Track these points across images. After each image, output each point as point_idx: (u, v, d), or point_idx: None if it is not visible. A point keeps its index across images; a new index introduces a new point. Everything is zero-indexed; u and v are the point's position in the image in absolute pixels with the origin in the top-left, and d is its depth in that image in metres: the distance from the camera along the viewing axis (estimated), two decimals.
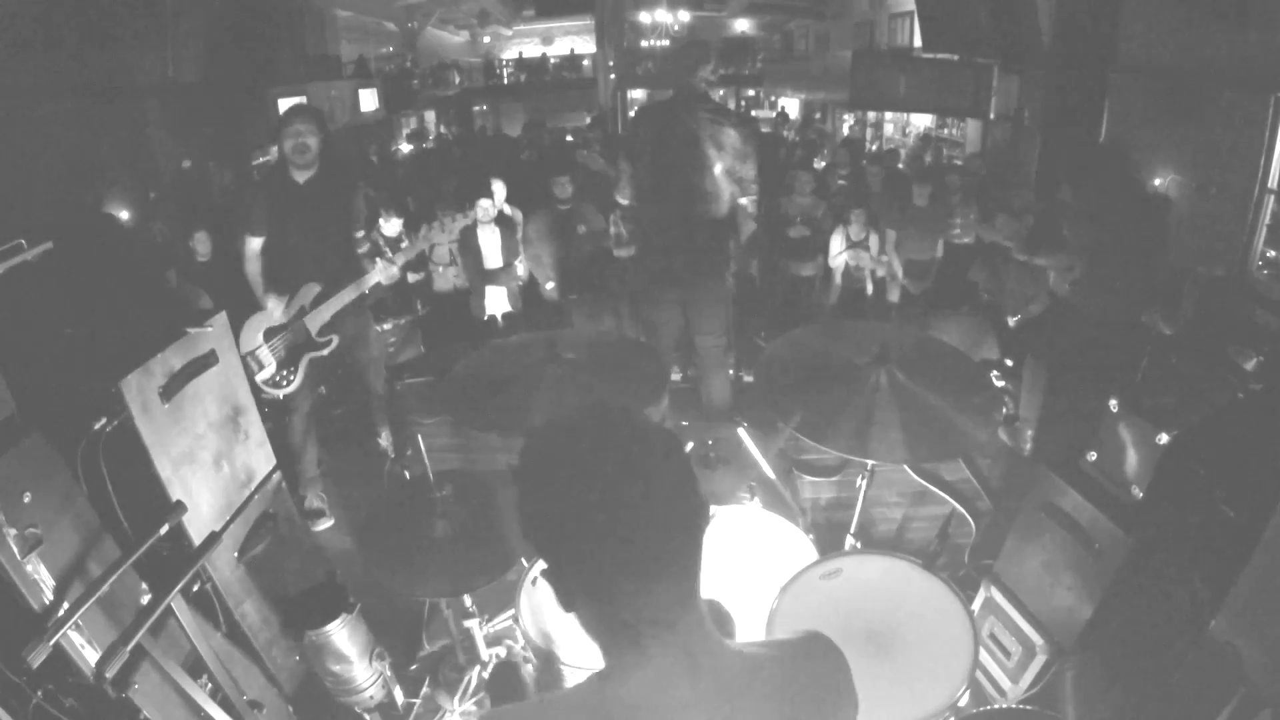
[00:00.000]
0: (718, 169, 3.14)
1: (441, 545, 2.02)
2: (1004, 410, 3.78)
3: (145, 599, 1.80)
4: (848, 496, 3.33)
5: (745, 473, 2.48)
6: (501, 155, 8.62)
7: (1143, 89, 5.43)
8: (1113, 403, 2.08)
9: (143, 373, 1.90)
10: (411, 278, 5.14)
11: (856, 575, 1.89)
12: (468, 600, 2.16)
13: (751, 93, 19.70)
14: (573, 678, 1.68)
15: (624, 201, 3.47)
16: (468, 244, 4.79)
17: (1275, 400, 2.47)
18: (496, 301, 4.91)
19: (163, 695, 1.76)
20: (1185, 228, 4.97)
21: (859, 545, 2.38)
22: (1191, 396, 2.10)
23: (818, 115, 15.29)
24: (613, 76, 16.42)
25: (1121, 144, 3.53)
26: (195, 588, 2.01)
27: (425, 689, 2.39)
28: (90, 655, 1.62)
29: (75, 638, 1.60)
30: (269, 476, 2.43)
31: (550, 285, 5.11)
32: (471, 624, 2.19)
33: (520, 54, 21.27)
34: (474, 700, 2.29)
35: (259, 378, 3.09)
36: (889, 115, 13.66)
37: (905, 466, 3.39)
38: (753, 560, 2.03)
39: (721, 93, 12.41)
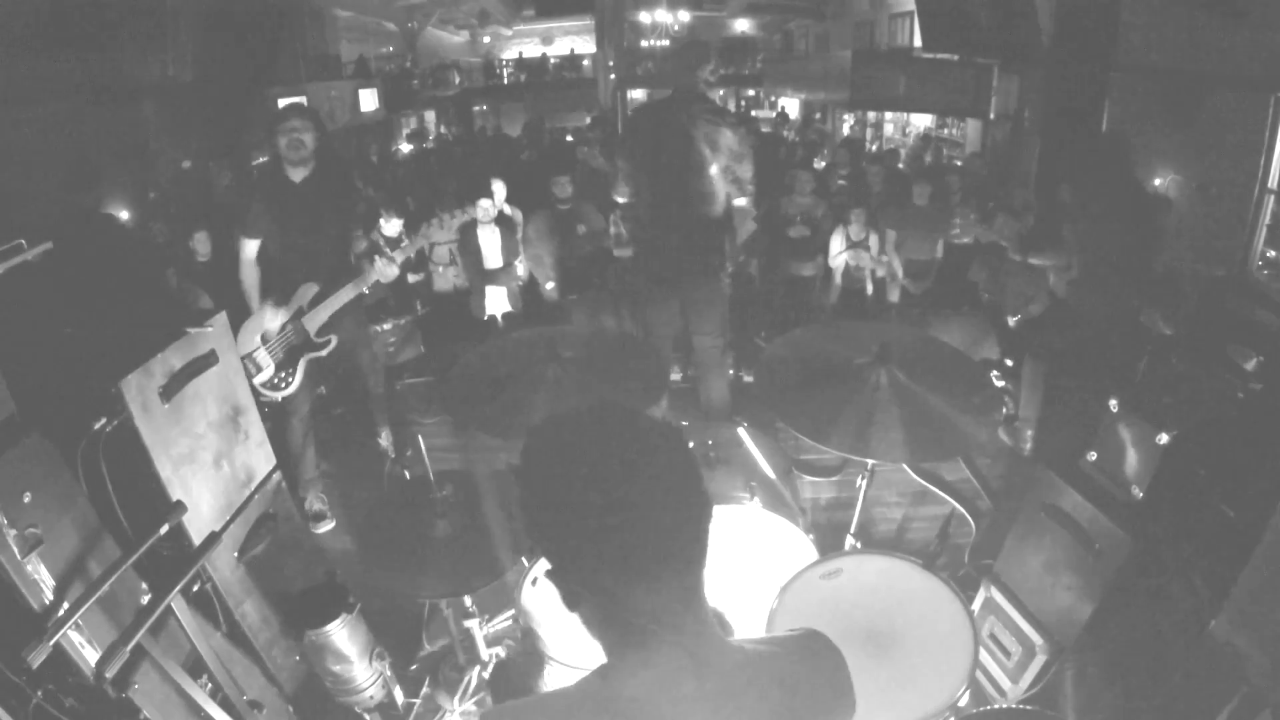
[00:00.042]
0: (713, 169, 3.13)
1: (442, 546, 2.03)
2: (1004, 410, 3.78)
3: (145, 599, 1.79)
4: (848, 496, 3.33)
5: (745, 473, 2.48)
6: (501, 155, 8.62)
7: (1143, 89, 5.43)
8: (1113, 403, 2.08)
9: (143, 373, 1.90)
10: (411, 278, 5.14)
11: (856, 575, 1.90)
12: (468, 600, 2.16)
13: (751, 93, 19.71)
14: (571, 677, 1.68)
15: (621, 200, 3.47)
16: (468, 244, 4.79)
17: (1275, 400, 2.48)
18: (496, 301, 4.91)
19: (163, 695, 1.76)
20: (1185, 227, 4.98)
21: (859, 545, 2.38)
22: (1191, 396, 2.09)
23: (818, 115, 15.29)
24: (613, 76, 16.44)
25: (1116, 143, 3.52)
26: (195, 588, 2.01)
27: (425, 689, 2.39)
28: (90, 655, 1.61)
29: (75, 638, 1.60)
30: (269, 476, 2.43)
31: (550, 285, 5.11)
32: (471, 624, 2.19)
33: (520, 54, 21.27)
34: (474, 700, 2.29)
35: (257, 380, 3.06)
36: (889, 115, 13.66)
37: (905, 466, 3.39)
38: (753, 560, 2.03)
39: (721, 93, 12.40)
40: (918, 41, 10.08)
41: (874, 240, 5.11)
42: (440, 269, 5.10)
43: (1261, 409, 2.29)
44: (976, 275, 5.00)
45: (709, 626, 0.83)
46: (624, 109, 15.90)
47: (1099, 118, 5.91)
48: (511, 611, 1.95)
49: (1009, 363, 4.25)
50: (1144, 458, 1.98)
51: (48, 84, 6.28)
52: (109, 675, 1.49)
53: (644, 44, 20.11)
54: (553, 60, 20.72)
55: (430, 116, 18.18)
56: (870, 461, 2.17)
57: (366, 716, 2.28)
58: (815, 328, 2.64)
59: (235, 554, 2.19)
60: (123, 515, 1.85)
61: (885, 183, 6.09)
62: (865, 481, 2.32)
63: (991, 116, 7.99)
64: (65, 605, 1.58)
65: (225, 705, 1.80)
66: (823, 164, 7.91)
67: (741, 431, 2.79)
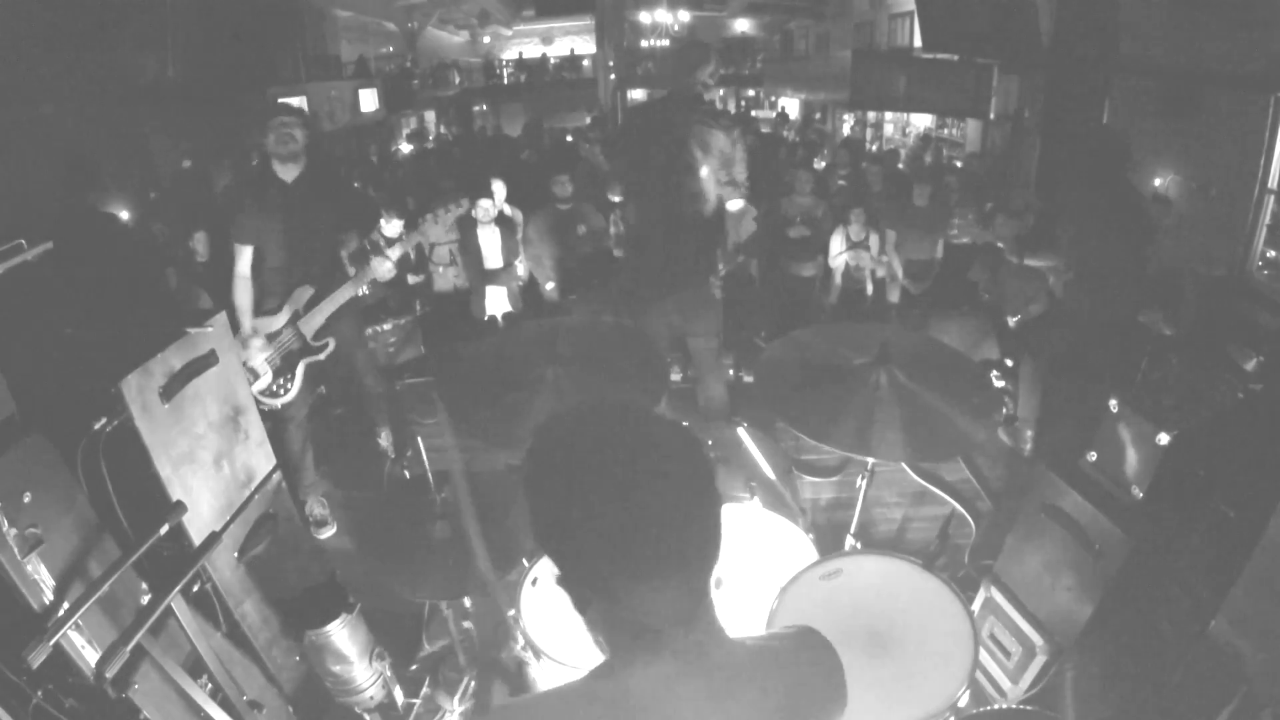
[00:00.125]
0: (704, 171, 3.12)
1: (441, 546, 2.02)
2: (1004, 410, 3.78)
3: (145, 599, 1.79)
4: (848, 496, 3.33)
5: (745, 473, 2.49)
6: (501, 155, 8.62)
7: (1143, 89, 5.43)
8: (1113, 403, 2.08)
9: (143, 373, 1.90)
10: (411, 278, 5.13)
11: (856, 575, 1.90)
12: (467, 601, 2.16)
13: (751, 93, 19.73)
14: (570, 676, 1.68)
15: (616, 199, 3.47)
16: (468, 244, 4.79)
17: (1275, 400, 2.47)
18: (497, 301, 4.90)
19: (163, 695, 1.76)
20: (1185, 228, 4.98)
21: (859, 545, 2.38)
22: (1191, 396, 2.09)
23: (818, 115, 15.30)
24: (613, 76, 16.44)
25: (1108, 141, 3.52)
26: (195, 588, 2.01)
27: (425, 689, 2.39)
28: (90, 655, 1.61)
29: (75, 638, 1.60)
30: (269, 476, 2.43)
31: (550, 285, 5.11)
32: (471, 624, 2.19)
33: (520, 54, 21.28)
34: (474, 700, 2.29)
35: (255, 388, 2.98)
36: (889, 115, 13.66)
37: (905, 466, 3.39)
38: (753, 560, 2.04)
39: (721, 93, 12.41)
40: (918, 41, 10.07)
41: (874, 240, 5.10)
42: (440, 269, 5.10)
43: (1261, 409, 2.29)
44: (976, 275, 5.00)
45: (716, 623, 0.83)
46: (624, 109, 15.90)
47: (1099, 118, 5.91)
48: (512, 612, 1.95)
49: (1009, 363, 4.25)
50: (1144, 458, 1.98)
51: (48, 84, 6.29)
52: (109, 675, 1.49)
53: (644, 44, 20.12)
54: (553, 60, 20.74)
55: (430, 116, 18.19)
56: (870, 461, 2.17)
57: (366, 717, 2.28)
58: (815, 328, 2.63)
59: (235, 554, 2.19)
60: (123, 515, 1.84)
61: (885, 183, 6.09)
62: (865, 481, 2.32)
63: (991, 116, 7.99)
64: (65, 605, 1.58)
65: (225, 705, 1.80)
66: (823, 164, 7.91)
67: (741, 431, 2.79)
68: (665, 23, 20.43)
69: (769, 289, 5.53)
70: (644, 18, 20.21)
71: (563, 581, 0.80)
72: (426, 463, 2.07)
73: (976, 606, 2.34)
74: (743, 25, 21.56)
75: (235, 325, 2.88)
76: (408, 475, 3.40)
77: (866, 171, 6.37)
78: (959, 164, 9.12)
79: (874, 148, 12.37)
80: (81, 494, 1.78)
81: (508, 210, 4.98)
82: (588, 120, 12.50)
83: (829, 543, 2.34)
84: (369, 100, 13.14)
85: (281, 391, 3.13)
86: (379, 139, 13.19)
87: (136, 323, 3.04)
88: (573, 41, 22.03)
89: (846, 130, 14.40)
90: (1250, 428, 1.98)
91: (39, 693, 1.60)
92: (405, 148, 13.82)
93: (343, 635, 2.11)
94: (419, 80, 17.31)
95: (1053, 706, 2.08)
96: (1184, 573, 1.88)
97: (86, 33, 6.68)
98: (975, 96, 8.06)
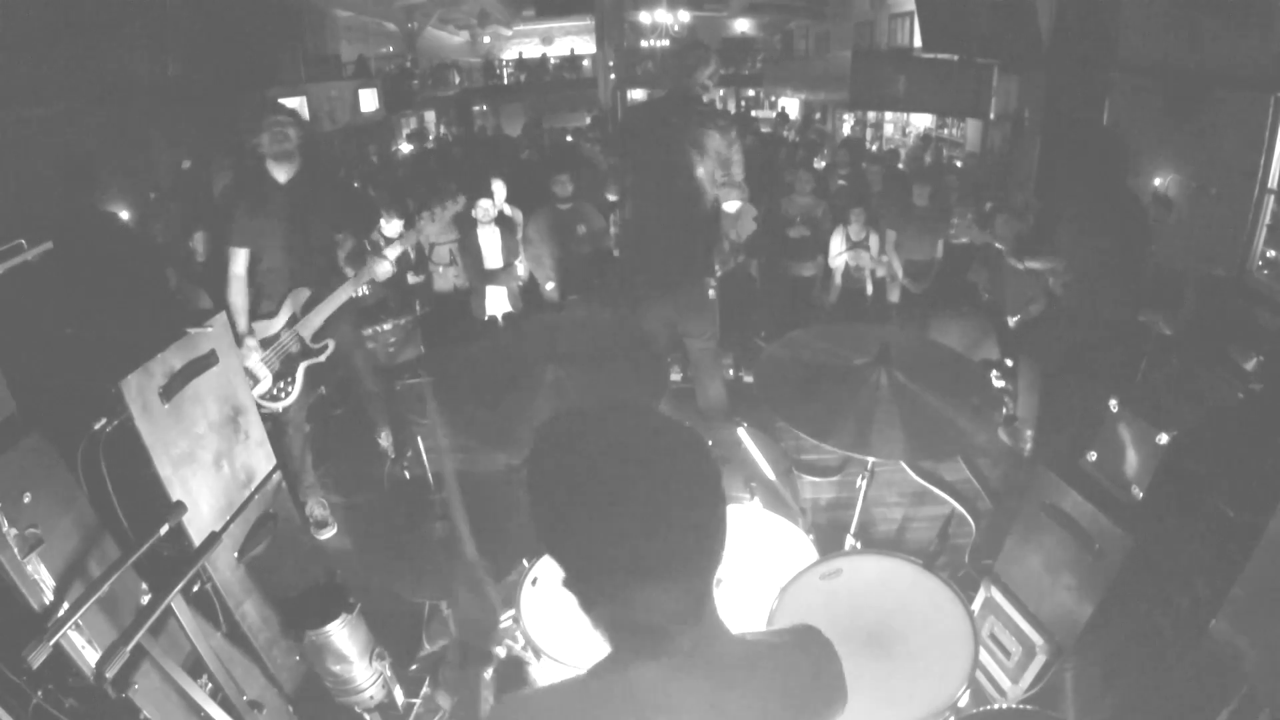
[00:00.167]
0: (700, 171, 3.11)
1: (441, 546, 2.02)
2: (1004, 410, 3.78)
3: (145, 599, 1.80)
4: (848, 496, 3.33)
5: (745, 473, 2.49)
6: (501, 155, 8.62)
7: (1143, 89, 5.43)
8: (1113, 403, 2.08)
9: (143, 373, 1.90)
10: (411, 278, 5.14)
11: (856, 575, 1.90)
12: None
13: (751, 93, 19.72)
14: (569, 675, 1.68)
15: (615, 199, 3.46)
16: (468, 244, 4.80)
17: (1275, 400, 2.48)
18: (497, 301, 4.91)
19: (163, 695, 1.76)
20: (1185, 228, 4.98)
21: (859, 545, 2.38)
22: (1191, 396, 2.10)
23: (818, 115, 15.28)
24: (613, 76, 16.42)
25: (1104, 141, 3.51)
26: (195, 588, 2.01)
27: (425, 689, 2.39)
28: (90, 655, 1.62)
29: (75, 638, 1.60)
30: (269, 476, 2.43)
31: (550, 285, 5.11)
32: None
33: (520, 54, 21.28)
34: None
35: (254, 393, 2.93)
36: (889, 115, 13.66)
37: (905, 466, 3.40)
38: (753, 560, 2.04)
39: (721, 93, 12.40)
40: (918, 41, 10.08)
41: (874, 240, 5.11)
42: (440, 269, 5.10)
43: (1261, 409, 2.29)
44: (976, 275, 5.00)
45: (719, 621, 0.83)
46: (624, 109, 15.89)
47: (1099, 118, 5.91)
48: (511, 611, 1.95)
49: (1009, 363, 4.25)
50: (1144, 458, 1.98)
51: (48, 84, 6.29)
52: (109, 675, 1.49)
53: (644, 44, 20.11)
54: (553, 60, 20.73)
55: (430, 116, 18.17)
56: (870, 461, 2.17)
57: (366, 716, 2.28)
58: (815, 328, 2.63)
59: (235, 554, 2.19)
60: (123, 515, 1.85)
61: (885, 183, 6.09)
62: (865, 481, 2.32)
63: (991, 117, 7.99)
64: (65, 605, 1.58)
65: (225, 705, 1.80)
66: (823, 164, 7.90)
67: (741, 431, 2.79)
68: (665, 23, 20.43)
69: (769, 289, 5.53)
70: (644, 18, 20.21)
71: (567, 582, 0.79)
72: (426, 463, 2.07)
73: (976, 606, 2.34)
74: (743, 25, 21.56)
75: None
76: (408, 475, 3.40)
77: (866, 171, 6.37)
78: (959, 164, 9.13)
79: (874, 148, 12.36)
80: (81, 494, 1.78)
81: (508, 210, 4.98)
82: (588, 120, 12.50)
83: (829, 543, 2.33)
84: (369, 100, 13.13)
85: (282, 395, 3.11)
86: (379, 139, 13.18)
87: (136, 323, 3.03)
88: (573, 41, 22.02)
89: (846, 130, 14.39)
90: (1250, 428, 1.98)
91: (39, 693, 1.60)
92: (405, 148, 13.82)
93: (343, 635, 2.11)
94: (419, 80, 17.30)
95: (1053, 706, 2.08)
96: (1184, 573, 1.88)
97: (86, 33, 6.68)
98: (975, 96, 8.06)
